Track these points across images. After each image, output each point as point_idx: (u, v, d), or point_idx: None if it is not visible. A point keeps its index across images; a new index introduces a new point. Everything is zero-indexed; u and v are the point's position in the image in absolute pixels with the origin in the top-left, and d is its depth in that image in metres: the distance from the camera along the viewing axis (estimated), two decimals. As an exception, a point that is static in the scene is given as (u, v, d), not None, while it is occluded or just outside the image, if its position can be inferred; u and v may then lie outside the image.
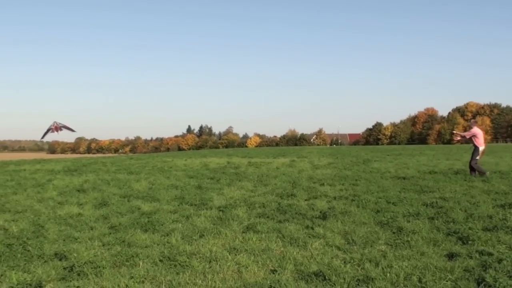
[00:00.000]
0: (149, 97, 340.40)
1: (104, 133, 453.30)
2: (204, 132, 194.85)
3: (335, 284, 4.69)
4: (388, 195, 10.41)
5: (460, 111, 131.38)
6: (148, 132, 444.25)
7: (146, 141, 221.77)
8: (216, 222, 7.87)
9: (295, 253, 5.89)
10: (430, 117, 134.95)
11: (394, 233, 6.90)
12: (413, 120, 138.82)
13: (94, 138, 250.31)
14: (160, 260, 5.62)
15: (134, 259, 5.65)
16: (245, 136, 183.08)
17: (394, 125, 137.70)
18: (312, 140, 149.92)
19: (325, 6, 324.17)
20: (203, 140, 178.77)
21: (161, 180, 15.04)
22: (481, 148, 15.32)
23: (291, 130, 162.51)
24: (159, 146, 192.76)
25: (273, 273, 5.15)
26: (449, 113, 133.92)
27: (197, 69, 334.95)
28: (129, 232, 7.11)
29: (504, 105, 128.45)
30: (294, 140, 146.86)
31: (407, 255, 5.68)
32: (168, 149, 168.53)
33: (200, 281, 4.93)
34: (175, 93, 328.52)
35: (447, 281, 4.75)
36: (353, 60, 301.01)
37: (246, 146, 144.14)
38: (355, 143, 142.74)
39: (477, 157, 15.12)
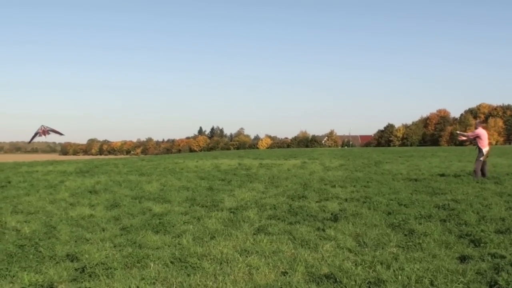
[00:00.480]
0: (160, 99, 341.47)
1: (116, 135, 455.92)
2: (216, 133, 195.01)
3: (346, 287, 4.68)
4: (400, 197, 10.36)
5: (473, 112, 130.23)
6: (160, 133, 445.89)
7: (157, 142, 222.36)
8: (227, 224, 7.87)
9: (306, 255, 5.88)
10: (442, 118, 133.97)
11: (405, 235, 6.87)
12: (425, 122, 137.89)
13: (106, 140, 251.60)
14: (171, 262, 5.63)
15: (145, 260, 5.66)
16: (256, 138, 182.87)
17: (406, 126, 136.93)
18: (323, 141, 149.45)
19: (337, 7, 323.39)
20: (215, 141, 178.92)
21: (172, 181, 15.08)
22: (485, 149, 14.96)
23: (302, 131, 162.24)
24: (170, 148, 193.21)
25: (284, 275, 5.15)
26: (462, 114, 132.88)
27: (208, 71, 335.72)
28: (140, 233, 7.13)
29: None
30: (305, 142, 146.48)
31: (418, 258, 5.65)
32: (179, 151, 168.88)
33: (211, 283, 4.94)
34: (187, 95, 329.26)
35: (459, 283, 4.72)
36: (365, 62, 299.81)
37: (257, 148, 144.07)
38: (367, 144, 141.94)
39: (481, 158, 14.83)
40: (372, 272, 5.13)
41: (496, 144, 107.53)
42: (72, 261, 5.77)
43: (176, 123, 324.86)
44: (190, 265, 5.45)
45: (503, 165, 21.86)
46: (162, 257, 5.79)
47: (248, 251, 6.09)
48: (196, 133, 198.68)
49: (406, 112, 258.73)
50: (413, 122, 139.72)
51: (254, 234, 7.14)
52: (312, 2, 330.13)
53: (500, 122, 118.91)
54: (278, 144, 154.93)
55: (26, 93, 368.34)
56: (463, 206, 9.04)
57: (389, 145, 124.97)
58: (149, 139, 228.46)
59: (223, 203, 10.06)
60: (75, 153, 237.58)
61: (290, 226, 7.63)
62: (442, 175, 16.45)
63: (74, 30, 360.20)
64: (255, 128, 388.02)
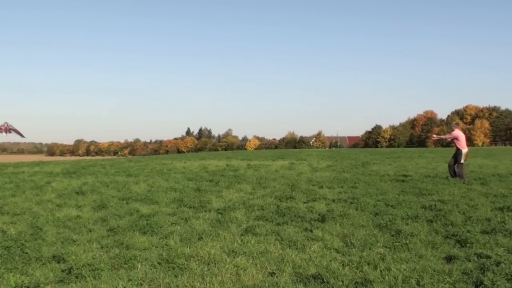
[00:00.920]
0: (148, 100, 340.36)
1: (103, 136, 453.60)
2: (203, 134, 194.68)
3: (333, 287, 4.69)
4: (387, 198, 10.42)
5: (459, 114, 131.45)
6: (147, 134, 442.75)
7: (145, 143, 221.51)
8: (215, 225, 7.86)
9: (293, 255, 5.89)
10: (429, 120, 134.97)
11: (392, 235, 6.90)
12: (412, 123, 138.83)
13: (93, 141, 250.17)
14: (159, 263, 5.61)
15: (132, 261, 5.64)
16: (244, 139, 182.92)
17: (393, 128, 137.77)
18: (311, 142, 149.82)
19: (325, 9, 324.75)
20: (202, 142, 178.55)
21: (160, 182, 15.04)
22: (464, 150, 15.03)
23: (290, 132, 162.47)
24: (158, 149, 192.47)
25: (272, 276, 5.15)
26: (448, 116, 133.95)
27: (196, 72, 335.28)
28: (127, 234, 7.10)
29: (503, 108, 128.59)
30: (293, 143, 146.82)
31: (405, 258, 5.68)
32: (167, 152, 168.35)
33: (198, 284, 4.93)
34: (174, 96, 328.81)
35: (445, 283, 4.75)
36: (352, 63, 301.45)
37: (245, 149, 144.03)
38: (354, 145, 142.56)
39: (462, 161, 14.89)
40: (359, 273, 5.15)
41: (482, 145, 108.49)
42: (58, 262, 5.72)
43: (164, 124, 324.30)
44: (178, 266, 5.43)
45: (489, 166, 22.06)
46: (150, 258, 5.77)
47: (236, 252, 6.08)
48: (184, 134, 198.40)
49: (393, 113, 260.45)
50: (400, 124, 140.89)
51: (242, 235, 7.14)
52: (301, 3, 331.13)
53: (486, 124, 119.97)
54: (266, 145, 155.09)
55: (12, 94, 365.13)
56: (449, 206, 9.11)
57: (376, 146, 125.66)
58: (137, 140, 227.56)
59: (210, 204, 10.04)
60: (62, 154, 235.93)
61: (278, 227, 7.64)
62: (429, 176, 16.56)
63: (63, 31, 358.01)
64: (243, 129, 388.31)
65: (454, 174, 14.87)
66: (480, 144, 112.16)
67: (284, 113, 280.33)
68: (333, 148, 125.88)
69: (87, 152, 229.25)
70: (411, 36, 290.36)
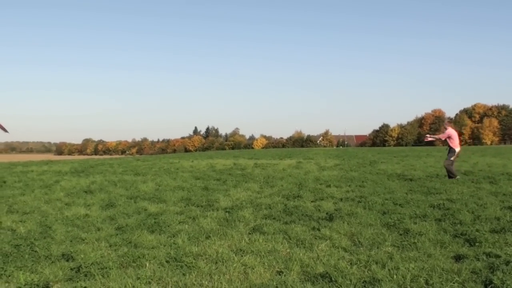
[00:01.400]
0: (156, 99, 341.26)
1: (111, 135, 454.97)
2: (211, 133, 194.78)
3: (341, 286, 4.68)
4: (395, 197, 10.39)
5: (468, 112, 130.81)
6: (155, 133, 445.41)
7: (152, 142, 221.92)
8: (223, 224, 7.87)
9: (301, 254, 5.89)
10: (437, 118, 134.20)
11: (401, 234, 6.88)
12: (420, 122, 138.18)
13: (101, 140, 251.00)
14: (167, 261, 5.62)
15: (140, 260, 5.66)
16: (252, 138, 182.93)
17: (401, 126, 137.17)
18: (318, 141, 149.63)
19: (333, 8, 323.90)
20: (210, 141, 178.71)
21: (167, 181, 15.06)
22: (457, 149, 14.86)
23: (297, 131, 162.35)
24: (165, 148, 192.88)
25: (279, 275, 5.15)
26: (457, 114, 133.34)
27: (203, 71, 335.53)
28: (135, 233, 7.12)
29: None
30: (300, 142, 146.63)
31: (414, 257, 5.66)
32: (174, 151, 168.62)
33: (206, 282, 4.93)
34: (182, 95, 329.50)
35: (454, 283, 4.73)
36: (360, 62, 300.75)
37: (253, 148, 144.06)
38: (362, 144, 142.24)
39: (452, 158, 14.72)
40: (367, 272, 5.14)
41: (491, 144, 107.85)
42: (67, 260, 5.75)
43: (171, 123, 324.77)
44: (186, 265, 5.44)
45: (498, 165, 21.95)
46: (158, 257, 5.79)
47: (244, 251, 6.09)
48: (191, 133, 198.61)
49: (401, 112, 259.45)
50: (408, 122, 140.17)
51: (249, 233, 7.14)
52: (307, 2, 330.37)
53: (495, 122, 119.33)
54: (273, 144, 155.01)
55: (21, 93, 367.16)
56: (458, 205, 9.07)
57: (384, 145, 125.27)
58: (144, 139, 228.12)
59: (218, 203, 10.05)
60: (70, 153, 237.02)
61: (285, 225, 7.63)
62: (437, 175, 16.50)
63: (70, 30, 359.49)
64: (250, 128, 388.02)
65: (452, 174, 14.62)
66: (489, 142, 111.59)
67: (291, 112, 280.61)
68: (341, 147, 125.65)
69: (95, 151, 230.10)
70: (419, 35, 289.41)
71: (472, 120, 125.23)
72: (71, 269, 5.37)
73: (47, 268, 5.41)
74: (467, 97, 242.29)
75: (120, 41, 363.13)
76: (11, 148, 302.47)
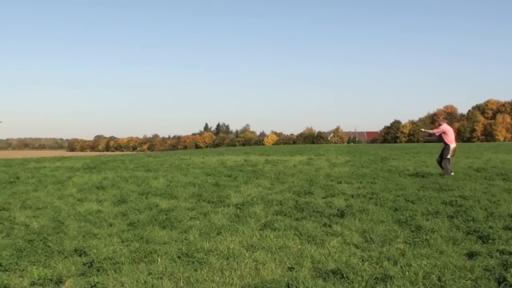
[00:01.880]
0: (166, 95, 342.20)
1: (123, 131, 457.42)
2: (221, 130, 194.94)
3: (353, 282, 4.67)
4: (407, 193, 10.34)
5: (480, 108, 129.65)
6: (166, 130, 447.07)
7: (163, 139, 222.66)
8: (234, 220, 7.89)
9: (312, 250, 5.89)
10: (449, 114, 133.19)
11: (412, 231, 6.85)
12: (432, 118, 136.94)
13: (112, 136, 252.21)
14: (178, 257, 5.65)
15: (152, 255, 5.69)
16: (262, 134, 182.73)
17: (412, 123, 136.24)
18: (329, 138, 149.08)
19: (343, 3, 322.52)
20: (220, 138, 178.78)
21: (178, 177, 15.11)
22: (452, 146, 14.53)
23: (308, 128, 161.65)
24: (176, 144, 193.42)
25: (291, 271, 5.15)
26: (469, 110, 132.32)
27: (214, 67, 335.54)
28: (147, 228, 7.16)
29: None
30: (311, 138, 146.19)
31: (426, 254, 5.63)
32: (185, 147, 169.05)
33: (217, 278, 4.95)
34: (192, 91, 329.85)
35: (467, 280, 4.70)
36: (371, 58, 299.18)
37: (263, 144, 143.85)
38: (373, 141, 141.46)
39: (448, 156, 14.43)
40: (379, 268, 5.12)
41: (504, 140, 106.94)
42: (80, 255, 5.79)
43: (182, 119, 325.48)
44: (197, 260, 5.46)
45: (511, 161, 21.74)
46: (169, 252, 5.81)
47: (255, 247, 6.09)
48: (202, 129, 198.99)
49: (412, 108, 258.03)
50: (419, 119, 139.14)
51: (261, 229, 7.15)
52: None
53: (508, 118, 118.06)
54: (284, 141, 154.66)
55: (33, 90, 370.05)
56: (470, 202, 9.00)
57: (395, 142, 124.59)
58: (155, 136, 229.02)
59: (229, 199, 10.07)
60: (82, 149, 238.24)
61: (297, 222, 7.63)
62: (449, 171, 16.37)
63: (82, 27, 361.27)
64: (261, 124, 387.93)
65: (447, 172, 14.32)
66: (502, 139, 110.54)
67: (302, 108, 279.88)
68: (352, 143, 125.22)
69: (107, 148, 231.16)
70: (431, 30, 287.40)
71: (484, 117, 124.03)
72: (84, 264, 5.41)
73: (60, 263, 5.45)
74: (480, 93, 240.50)
75: (132, 37, 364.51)
76: (24, 144, 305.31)
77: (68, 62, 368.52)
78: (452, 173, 14.23)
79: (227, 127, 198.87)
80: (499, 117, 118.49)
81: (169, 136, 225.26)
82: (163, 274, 5.04)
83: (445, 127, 14.75)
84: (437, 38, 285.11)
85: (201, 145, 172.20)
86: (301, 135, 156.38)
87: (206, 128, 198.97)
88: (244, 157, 29.75)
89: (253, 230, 7.07)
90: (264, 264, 5.35)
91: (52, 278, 4.91)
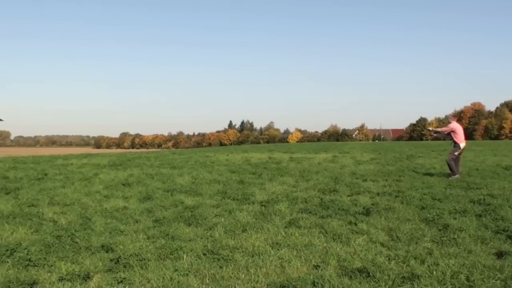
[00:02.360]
0: (191, 93, 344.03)
1: (148, 129, 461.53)
2: (246, 127, 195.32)
3: (379, 281, 4.63)
4: (434, 192, 10.21)
5: (509, 105, 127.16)
6: (190, 127, 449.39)
7: (188, 136, 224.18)
8: (259, 217, 7.88)
9: (338, 249, 5.85)
10: (477, 112, 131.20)
11: (440, 230, 6.76)
12: (459, 115, 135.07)
13: (138, 134, 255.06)
14: (204, 254, 5.67)
15: (178, 252, 5.72)
16: (286, 131, 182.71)
17: (439, 120, 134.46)
18: (354, 135, 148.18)
19: (368, 1, 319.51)
20: (245, 135, 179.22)
21: (203, 174, 15.17)
22: (462, 144, 14.04)
23: (332, 125, 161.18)
24: (201, 141, 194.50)
25: (316, 269, 5.13)
26: (497, 108, 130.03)
27: (239, 65, 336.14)
28: (173, 225, 7.21)
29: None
30: (335, 136, 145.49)
31: (453, 253, 5.56)
32: (210, 144, 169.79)
33: (243, 275, 4.95)
34: (217, 89, 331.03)
35: (496, 280, 4.62)
36: (397, 55, 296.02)
37: (287, 141, 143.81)
38: (398, 138, 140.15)
39: (456, 153, 13.91)
40: (406, 267, 5.07)
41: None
42: (107, 251, 5.85)
43: (207, 117, 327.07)
44: (223, 257, 5.47)
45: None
46: (195, 249, 5.84)
47: (280, 244, 6.09)
48: (226, 127, 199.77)
49: (439, 105, 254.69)
50: (446, 116, 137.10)
51: (286, 227, 7.13)
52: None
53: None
54: (308, 138, 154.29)
55: (60, 88, 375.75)
56: (499, 201, 8.85)
57: (421, 139, 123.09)
58: (180, 133, 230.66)
59: (254, 196, 10.07)
60: (108, 146, 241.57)
61: (322, 219, 7.60)
62: (477, 169, 16.14)
63: (110, 27, 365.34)
64: (285, 122, 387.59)
65: (453, 172, 13.73)
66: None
67: (326, 105, 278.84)
68: (377, 141, 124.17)
69: (132, 145, 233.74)
70: (457, 28, 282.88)
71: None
72: (111, 260, 5.47)
73: (88, 259, 5.52)
74: (508, 90, 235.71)
75: (157, 35, 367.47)
76: (51, 141, 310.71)
77: (95, 61, 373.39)
78: (457, 175, 13.58)
79: (251, 124, 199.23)
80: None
81: (194, 133, 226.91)
82: (189, 271, 5.07)
83: (454, 125, 14.36)
84: (465, 36, 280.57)
85: (226, 142, 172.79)
86: (325, 132, 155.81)
87: (231, 125, 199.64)
88: (269, 154, 29.72)
89: (278, 228, 7.06)
90: (290, 262, 5.34)
91: (80, 273, 4.97)
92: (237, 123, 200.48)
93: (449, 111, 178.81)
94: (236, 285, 4.72)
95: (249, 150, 40.17)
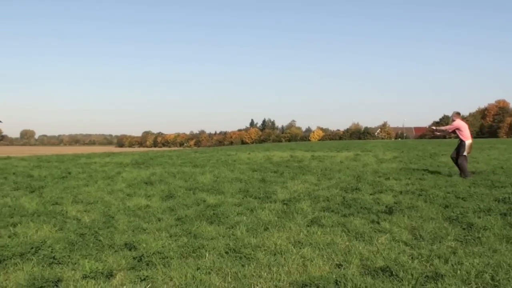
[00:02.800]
0: (213, 92, 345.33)
1: (170, 127, 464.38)
2: (267, 125, 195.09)
3: (402, 280, 4.59)
4: (457, 190, 10.08)
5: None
6: (212, 126, 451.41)
7: (210, 135, 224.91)
8: (280, 215, 7.88)
9: (360, 247, 5.82)
10: (501, 109, 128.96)
11: (464, 229, 6.67)
12: (482, 113, 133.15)
13: (160, 132, 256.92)
14: (226, 252, 5.68)
15: (200, 250, 5.75)
16: (308, 130, 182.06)
17: (462, 118, 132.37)
18: (376, 133, 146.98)
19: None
20: (266, 133, 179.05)
21: (225, 173, 15.21)
22: (468, 142, 13.72)
23: (354, 123, 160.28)
24: (222, 140, 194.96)
25: (339, 268, 5.11)
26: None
27: (260, 63, 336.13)
28: (195, 224, 7.24)
29: None
30: (357, 134, 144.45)
31: (478, 252, 5.48)
32: (231, 143, 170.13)
33: (265, 274, 4.95)
34: (239, 88, 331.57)
35: (522, 280, 4.54)
36: (419, 53, 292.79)
37: (309, 140, 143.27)
38: (421, 136, 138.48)
39: (465, 153, 13.60)
40: (430, 266, 5.01)
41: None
42: (130, 250, 5.90)
43: (228, 115, 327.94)
44: (245, 256, 5.48)
45: None
46: (217, 248, 5.86)
47: (302, 243, 6.07)
48: (248, 125, 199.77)
49: (462, 103, 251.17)
50: (470, 113, 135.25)
51: (308, 226, 7.11)
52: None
53: None
54: (330, 136, 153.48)
55: (82, 88, 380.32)
56: (525, 199, 8.69)
57: (444, 137, 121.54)
58: (202, 132, 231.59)
59: (276, 195, 10.06)
60: (131, 145, 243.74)
61: (344, 218, 7.56)
62: (502, 167, 15.89)
63: (129, 26, 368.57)
64: (307, 120, 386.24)
65: (464, 174, 13.38)
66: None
67: (348, 104, 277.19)
68: (399, 139, 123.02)
69: (154, 144, 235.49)
70: (480, 26, 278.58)
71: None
72: (134, 258, 5.51)
73: (111, 257, 5.58)
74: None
75: (179, 35, 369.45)
76: (75, 140, 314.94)
77: (118, 60, 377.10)
78: (474, 174, 13.30)
79: (273, 123, 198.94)
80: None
81: (216, 132, 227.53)
82: (211, 269, 5.08)
83: (459, 123, 14.07)
84: (489, 34, 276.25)
85: (247, 141, 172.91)
86: (347, 130, 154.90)
87: (252, 124, 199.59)
88: (290, 153, 29.67)
89: (300, 226, 7.05)
90: (312, 261, 5.33)
91: (103, 271, 5.02)
92: (258, 122, 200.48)
93: (473, 108, 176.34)
94: (258, 284, 4.72)
95: (270, 148, 40.16)
